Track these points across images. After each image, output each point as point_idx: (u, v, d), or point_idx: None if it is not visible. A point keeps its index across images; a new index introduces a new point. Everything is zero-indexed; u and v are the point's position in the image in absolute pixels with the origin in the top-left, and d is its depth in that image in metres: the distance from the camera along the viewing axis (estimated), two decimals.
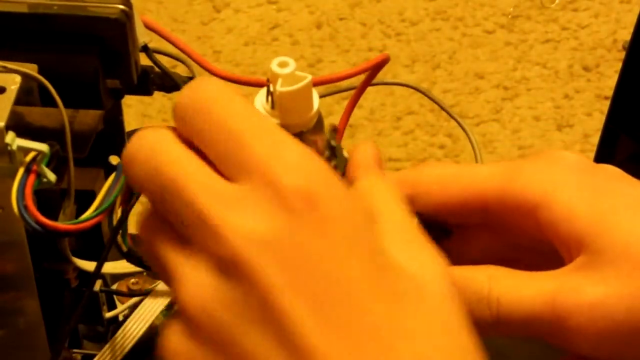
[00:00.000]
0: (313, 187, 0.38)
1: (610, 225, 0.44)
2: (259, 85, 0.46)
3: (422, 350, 0.38)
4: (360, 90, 0.54)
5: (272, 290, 0.37)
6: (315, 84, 0.45)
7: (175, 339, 0.39)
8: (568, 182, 0.45)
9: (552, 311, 0.43)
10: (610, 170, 0.47)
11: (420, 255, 0.42)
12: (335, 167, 0.46)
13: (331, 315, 0.37)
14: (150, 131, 0.41)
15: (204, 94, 0.40)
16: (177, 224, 0.39)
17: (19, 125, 0.49)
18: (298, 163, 0.39)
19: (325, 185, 0.39)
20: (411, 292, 0.39)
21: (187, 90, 0.40)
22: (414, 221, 0.44)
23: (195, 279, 0.38)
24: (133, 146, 0.40)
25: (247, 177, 0.38)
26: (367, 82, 0.54)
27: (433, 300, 0.40)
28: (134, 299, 0.67)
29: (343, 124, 0.55)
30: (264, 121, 0.40)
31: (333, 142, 0.47)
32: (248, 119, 0.39)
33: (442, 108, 0.60)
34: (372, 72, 0.53)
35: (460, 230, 0.49)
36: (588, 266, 0.43)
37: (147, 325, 0.64)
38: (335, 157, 0.46)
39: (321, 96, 0.45)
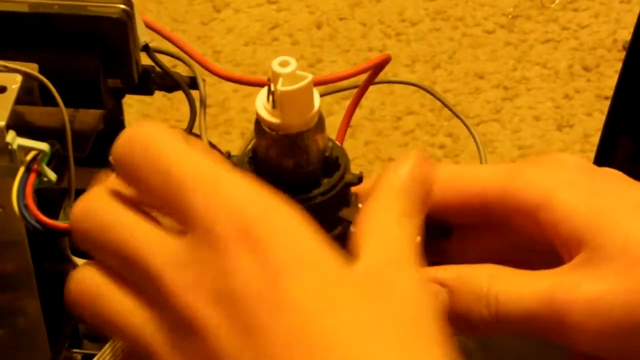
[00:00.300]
0: (250, 226, 0.38)
1: (608, 223, 0.44)
2: (260, 84, 0.46)
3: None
4: (362, 90, 0.54)
5: (215, 348, 0.37)
6: (316, 83, 0.45)
7: None
8: (568, 183, 0.45)
9: (551, 308, 0.43)
10: (610, 172, 0.47)
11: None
12: (337, 166, 0.46)
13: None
14: (92, 195, 0.41)
15: (138, 138, 0.40)
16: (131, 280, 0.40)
17: (19, 125, 0.49)
18: (233, 205, 0.38)
19: (265, 221, 0.38)
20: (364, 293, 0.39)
21: (121, 137, 0.40)
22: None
23: (150, 336, 0.39)
24: (79, 212, 0.41)
25: (191, 227, 0.38)
26: (369, 82, 0.54)
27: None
28: None
29: (345, 124, 0.55)
30: (201, 161, 0.39)
31: (334, 141, 0.47)
32: (184, 163, 0.39)
33: (445, 105, 0.60)
34: (374, 72, 0.53)
35: (461, 230, 0.50)
36: (586, 263, 0.44)
37: None
38: (336, 155, 0.47)
39: (321, 95, 0.45)
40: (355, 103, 0.55)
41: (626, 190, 0.45)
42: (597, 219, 0.44)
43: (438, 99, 0.62)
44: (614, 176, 0.47)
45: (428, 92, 0.63)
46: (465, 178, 0.47)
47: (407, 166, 0.44)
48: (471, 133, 0.59)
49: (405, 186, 0.43)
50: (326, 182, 0.46)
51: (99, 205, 0.40)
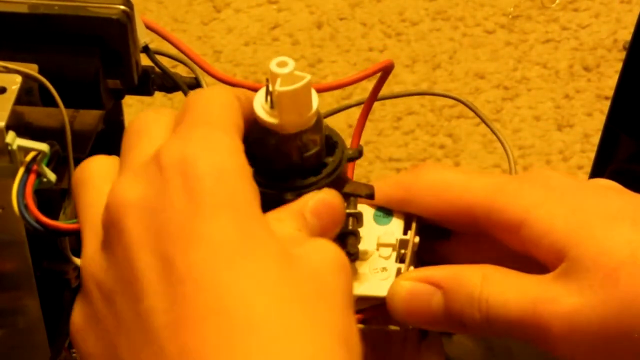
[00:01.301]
0: (189, 153, 0.40)
1: (585, 235, 0.44)
2: (255, 89, 0.46)
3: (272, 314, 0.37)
4: (371, 99, 0.54)
5: (132, 249, 0.38)
6: (320, 90, 0.45)
7: (75, 314, 0.41)
8: (548, 201, 0.46)
9: (533, 319, 0.44)
10: (599, 185, 0.47)
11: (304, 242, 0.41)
12: (336, 145, 0.47)
13: (180, 278, 0.37)
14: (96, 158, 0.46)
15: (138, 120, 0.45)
16: None
17: (19, 125, 0.49)
18: (185, 139, 0.41)
19: (202, 151, 0.40)
20: (274, 258, 0.39)
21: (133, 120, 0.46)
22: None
23: (88, 248, 0.42)
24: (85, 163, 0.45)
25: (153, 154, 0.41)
26: (377, 91, 0.53)
27: (299, 269, 0.39)
28: None
29: (357, 136, 0.54)
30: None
31: (333, 138, 0.47)
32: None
33: (484, 121, 0.59)
34: (381, 80, 0.52)
35: (459, 233, 0.50)
36: (566, 274, 0.44)
37: None
38: (333, 152, 0.47)
39: (327, 115, 0.45)
40: (366, 114, 0.55)
41: (607, 203, 0.45)
42: (575, 233, 0.44)
43: (476, 112, 0.61)
44: (602, 189, 0.47)
45: (467, 105, 0.62)
46: (455, 189, 0.47)
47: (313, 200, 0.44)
48: (504, 146, 0.58)
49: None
50: (331, 161, 0.46)
51: (99, 162, 0.45)
